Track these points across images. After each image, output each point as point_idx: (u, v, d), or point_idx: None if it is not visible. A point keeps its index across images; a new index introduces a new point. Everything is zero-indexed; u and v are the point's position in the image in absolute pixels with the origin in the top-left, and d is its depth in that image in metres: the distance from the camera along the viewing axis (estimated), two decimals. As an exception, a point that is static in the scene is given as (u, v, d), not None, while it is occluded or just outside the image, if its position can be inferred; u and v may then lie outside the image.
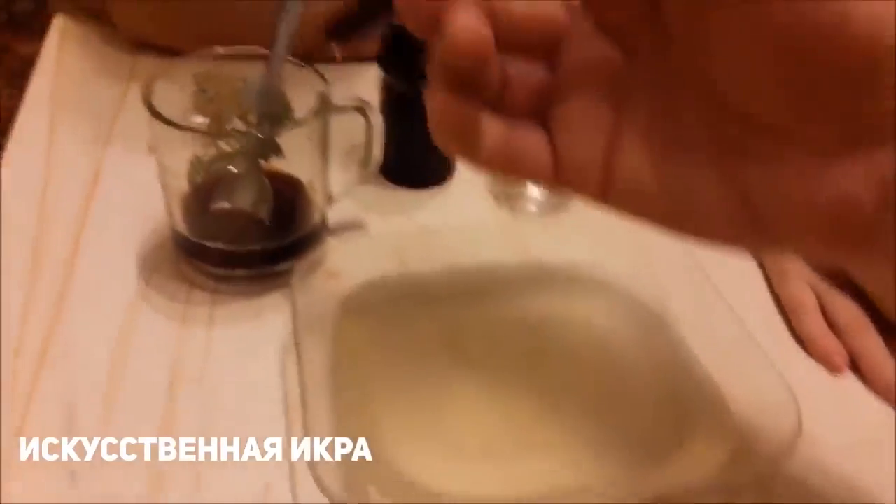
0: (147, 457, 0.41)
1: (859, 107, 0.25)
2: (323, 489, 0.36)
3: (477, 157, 0.30)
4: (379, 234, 0.52)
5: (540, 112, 0.31)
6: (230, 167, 0.50)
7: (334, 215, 0.56)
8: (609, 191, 0.31)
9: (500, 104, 0.30)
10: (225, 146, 0.48)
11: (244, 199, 0.49)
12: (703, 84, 0.27)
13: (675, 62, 0.28)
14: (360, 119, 0.51)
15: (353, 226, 0.56)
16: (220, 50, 0.49)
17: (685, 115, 0.29)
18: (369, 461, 0.40)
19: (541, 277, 0.53)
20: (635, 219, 0.31)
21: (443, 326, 0.49)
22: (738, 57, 0.26)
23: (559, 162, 0.31)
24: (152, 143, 0.47)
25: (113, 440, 0.41)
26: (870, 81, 0.24)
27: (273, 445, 0.42)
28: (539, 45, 0.31)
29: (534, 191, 0.61)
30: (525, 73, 0.31)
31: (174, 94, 0.48)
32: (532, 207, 0.61)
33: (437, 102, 0.28)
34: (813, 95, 0.25)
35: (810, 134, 0.26)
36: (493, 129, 0.30)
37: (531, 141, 0.31)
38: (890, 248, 0.26)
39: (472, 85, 0.28)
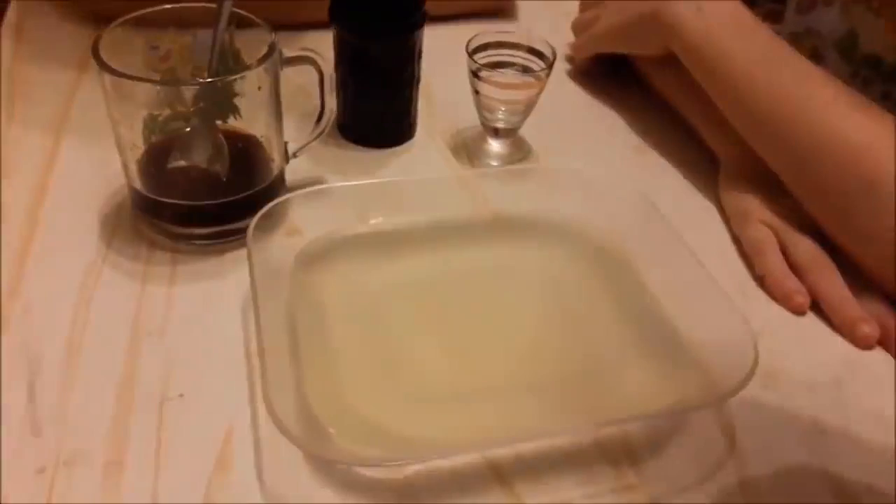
0: (109, 409, 0.41)
1: None
2: (283, 431, 0.36)
3: None
4: (339, 189, 0.52)
5: None
6: (186, 127, 0.49)
7: (295, 174, 0.55)
8: None
9: None
10: (179, 106, 0.48)
11: (200, 156, 0.49)
12: None
13: None
14: (317, 78, 0.51)
15: (313, 183, 0.56)
16: (168, 6, 0.49)
17: None
18: (329, 404, 0.40)
19: (500, 227, 0.53)
20: None
21: (403, 277, 0.49)
22: None
23: None
24: (106, 101, 0.47)
25: (76, 392, 0.41)
26: None
27: (234, 393, 0.42)
28: None
29: (494, 146, 0.62)
30: None
31: (126, 55, 0.47)
32: (493, 162, 0.62)
33: None
34: None
35: None
36: None
37: None
38: None
39: None
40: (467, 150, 0.62)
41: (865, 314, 0.49)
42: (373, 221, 0.52)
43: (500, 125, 0.60)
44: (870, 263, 0.50)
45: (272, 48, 0.47)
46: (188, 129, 0.50)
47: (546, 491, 0.39)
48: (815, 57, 0.65)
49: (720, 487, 0.40)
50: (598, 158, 0.63)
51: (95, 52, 0.44)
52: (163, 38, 0.49)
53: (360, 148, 0.61)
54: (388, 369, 0.43)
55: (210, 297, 0.47)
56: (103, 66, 0.43)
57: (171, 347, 0.44)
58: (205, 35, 0.48)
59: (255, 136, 0.51)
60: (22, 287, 0.47)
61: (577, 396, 0.43)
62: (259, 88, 0.47)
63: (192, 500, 0.37)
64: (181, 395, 0.42)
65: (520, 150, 0.63)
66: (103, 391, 0.42)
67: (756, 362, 0.40)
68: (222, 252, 0.50)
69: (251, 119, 0.50)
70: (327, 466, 0.39)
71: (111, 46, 0.46)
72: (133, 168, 0.49)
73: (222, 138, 0.49)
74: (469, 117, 0.62)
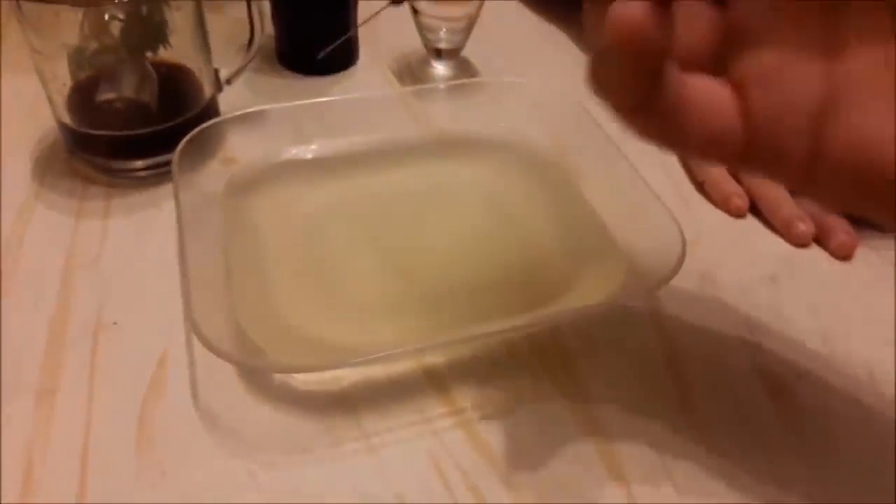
0: (41, 341, 0.41)
1: None
2: (210, 347, 0.35)
3: (653, 105, 0.24)
4: (273, 112, 0.51)
5: (719, 63, 0.25)
6: (115, 61, 0.48)
7: (233, 105, 0.54)
8: (821, 166, 0.23)
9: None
10: (105, 38, 0.47)
11: (127, 86, 0.48)
12: None
13: None
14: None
15: (249, 112, 0.55)
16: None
17: None
18: (261, 322, 0.40)
19: (443, 145, 0.53)
20: (854, 205, 0.24)
21: (341, 198, 0.49)
22: None
23: (752, 127, 0.24)
24: (24, 30, 0.46)
25: (5, 327, 0.41)
26: None
27: (169, 319, 0.42)
28: None
29: (439, 68, 0.61)
30: (697, 14, 0.25)
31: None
32: (438, 86, 0.61)
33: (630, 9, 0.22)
34: None
35: None
36: (671, 75, 0.23)
37: (715, 97, 0.24)
38: None
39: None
40: (412, 74, 0.62)
41: (802, 213, 0.49)
42: (311, 144, 0.51)
43: (442, 45, 0.59)
44: None
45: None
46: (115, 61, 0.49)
47: (475, 388, 0.40)
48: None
49: (651, 381, 0.40)
50: (543, 75, 0.62)
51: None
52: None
53: (300, 76, 0.60)
54: (322, 285, 0.43)
55: (145, 227, 0.47)
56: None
57: (106, 278, 0.44)
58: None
59: (185, 66, 0.50)
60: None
61: (512, 301, 0.43)
62: (178, 10, 0.46)
63: (126, 424, 0.37)
64: (115, 323, 0.42)
65: (465, 73, 0.62)
66: (35, 324, 0.41)
67: (683, 254, 0.40)
68: (158, 184, 0.50)
69: (182, 51, 0.49)
70: (263, 382, 0.39)
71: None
72: (60, 103, 0.48)
73: (150, 68, 0.49)
74: (414, 41, 0.61)
